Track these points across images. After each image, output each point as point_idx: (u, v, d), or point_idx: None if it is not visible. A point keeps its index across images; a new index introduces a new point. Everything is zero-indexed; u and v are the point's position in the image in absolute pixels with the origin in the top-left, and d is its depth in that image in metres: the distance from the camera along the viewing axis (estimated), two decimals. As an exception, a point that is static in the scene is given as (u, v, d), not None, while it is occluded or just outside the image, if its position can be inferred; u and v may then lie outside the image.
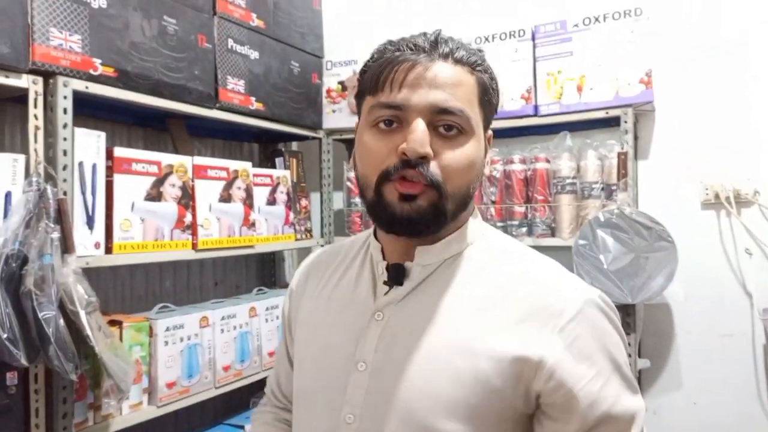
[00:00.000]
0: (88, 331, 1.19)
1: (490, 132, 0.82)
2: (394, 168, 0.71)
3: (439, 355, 0.72)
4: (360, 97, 0.80)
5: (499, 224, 1.95)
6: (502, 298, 0.74)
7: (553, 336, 0.70)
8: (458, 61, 0.74)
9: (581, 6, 1.94)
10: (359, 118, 0.81)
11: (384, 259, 0.81)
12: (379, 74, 0.74)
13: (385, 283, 0.79)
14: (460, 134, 0.73)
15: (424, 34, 0.76)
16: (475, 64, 0.76)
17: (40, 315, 1.11)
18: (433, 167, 0.71)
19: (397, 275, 0.78)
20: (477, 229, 0.82)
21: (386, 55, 0.75)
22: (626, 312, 1.75)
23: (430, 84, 0.72)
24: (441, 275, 0.78)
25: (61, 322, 1.15)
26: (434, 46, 0.74)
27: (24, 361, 1.10)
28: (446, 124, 0.72)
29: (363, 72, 0.79)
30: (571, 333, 0.70)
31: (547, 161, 1.92)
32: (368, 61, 0.79)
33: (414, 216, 0.72)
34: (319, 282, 0.90)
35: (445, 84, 0.72)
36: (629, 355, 1.71)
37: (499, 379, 0.70)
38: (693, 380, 1.90)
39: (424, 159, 0.70)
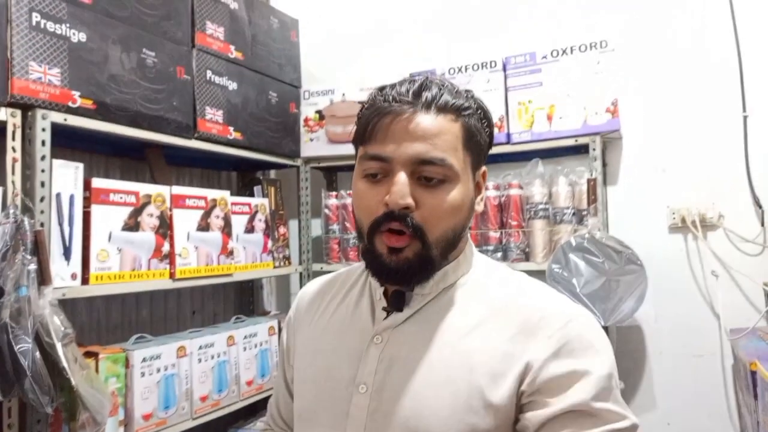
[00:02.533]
0: (65, 364, 1.19)
1: (483, 168, 0.84)
2: (381, 219, 0.74)
3: (437, 375, 0.75)
4: (355, 144, 0.83)
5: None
6: (495, 319, 0.77)
7: (542, 342, 0.73)
8: (441, 109, 0.76)
9: (549, 38, 2.02)
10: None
11: (381, 285, 0.84)
12: (366, 125, 0.77)
13: (384, 308, 0.82)
14: (442, 182, 0.75)
15: (410, 81, 0.78)
16: (459, 108, 0.77)
17: (16, 348, 1.11)
18: (416, 217, 0.74)
19: (397, 302, 0.81)
20: (471, 258, 0.86)
21: (376, 103, 0.78)
22: (599, 334, 1.78)
23: (412, 136, 0.74)
24: (438, 301, 0.81)
25: (38, 354, 1.14)
26: (417, 95, 0.76)
27: (0, 396, 1.09)
28: (427, 175, 0.75)
29: (358, 119, 0.82)
30: (560, 339, 0.73)
31: (520, 187, 1.97)
32: (363, 107, 0.81)
33: (402, 267, 0.75)
34: (317, 310, 0.93)
35: (425, 135, 0.74)
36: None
37: (495, 394, 0.72)
38: (666, 401, 1.94)
39: (407, 209, 0.73)
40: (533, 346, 0.73)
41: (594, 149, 1.84)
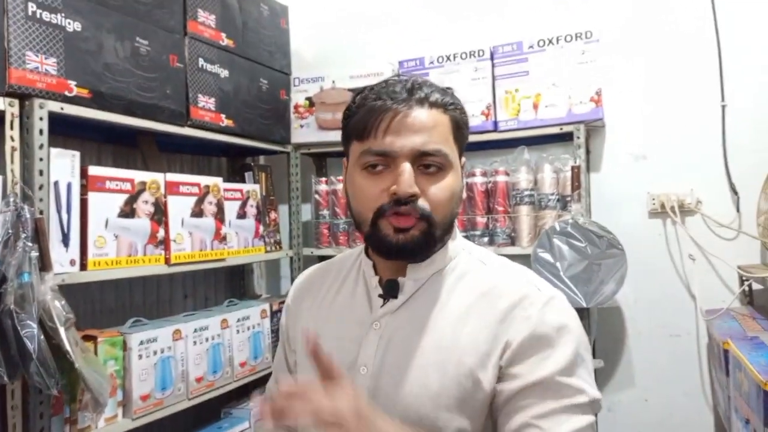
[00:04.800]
0: (68, 347, 1.22)
1: (463, 159, 0.92)
2: (386, 206, 0.81)
3: (429, 355, 0.83)
4: (346, 139, 0.90)
5: (462, 234, 2.04)
6: (480, 303, 0.85)
7: (520, 323, 0.81)
8: (433, 105, 0.84)
9: (536, 28, 2.06)
10: (347, 159, 0.91)
11: (376, 274, 0.91)
12: (364, 122, 0.83)
13: (380, 296, 0.89)
14: (440, 170, 0.83)
15: (401, 81, 0.85)
16: (447, 104, 0.85)
17: (21, 333, 1.14)
18: (422, 202, 0.82)
19: (391, 289, 0.88)
20: (458, 245, 0.93)
21: (368, 102, 0.84)
22: (581, 315, 1.82)
23: (411, 129, 0.81)
24: (429, 287, 0.88)
25: (42, 338, 1.18)
26: (411, 92, 0.83)
27: (6, 379, 1.13)
28: (427, 164, 0.82)
29: (347, 117, 0.89)
30: (535, 321, 0.80)
31: (507, 174, 2.02)
32: (351, 106, 0.88)
33: (409, 245, 0.82)
34: (315, 297, 1.00)
35: (423, 128, 0.82)
36: (585, 357, 1.81)
37: (480, 372, 0.80)
38: (644, 378, 2.03)
39: (413, 197, 0.80)
40: (513, 326, 0.81)
41: (578, 137, 1.89)
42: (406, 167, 0.80)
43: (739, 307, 1.85)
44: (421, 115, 0.82)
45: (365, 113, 0.84)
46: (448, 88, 0.88)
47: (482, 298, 0.85)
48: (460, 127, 0.87)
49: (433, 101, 0.84)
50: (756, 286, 1.86)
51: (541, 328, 0.80)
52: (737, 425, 1.30)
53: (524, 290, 0.84)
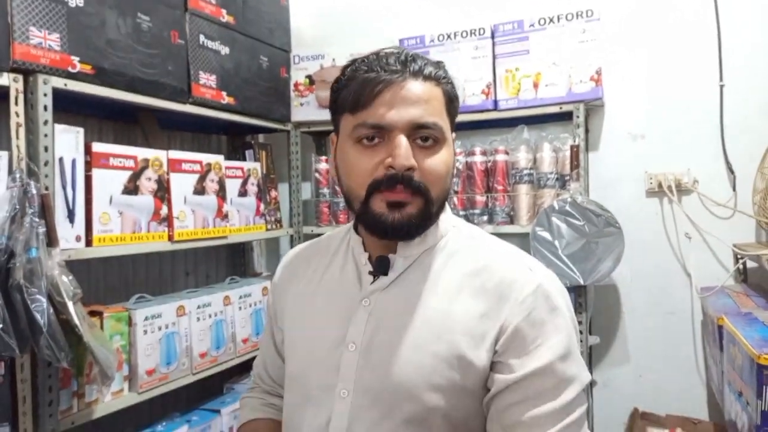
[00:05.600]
0: (76, 321, 1.24)
1: (454, 134, 0.90)
2: (382, 181, 0.80)
3: (420, 334, 0.82)
4: (336, 113, 0.87)
5: (461, 213, 2.07)
6: (471, 282, 0.84)
7: (515, 307, 0.80)
8: (427, 77, 0.82)
9: (537, 7, 2.06)
10: (336, 134, 0.89)
11: (365, 251, 0.90)
12: (357, 94, 0.81)
13: (370, 273, 0.88)
14: (435, 144, 0.82)
15: (394, 53, 0.83)
16: (440, 77, 0.84)
17: (31, 307, 1.16)
18: (417, 176, 0.80)
19: (382, 266, 0.87)
20: (448, 222, 0.91)
21: (359, 74, 0.82)
22: (578, 293, 1.89)
23: (406, 101, 0.79)
24: (420, 264, 0.87)
25: (51, 312, 1.20)
26: (404, 65, 0.81)
27: (17, 352, 1.14)
28: (423, 136, 0.81)
29: (336, 90, 0.86)
30: (530, 305, 0.79)
31: (506, 153, 2.04)
32: (341, 78, 0.86)
33: (405, 223, 0.81)
34: (303, 275, 0.99)
35: (419, 100, 0.80)
36: (581, 332, 1.85)
37: (472, 352, 0.79)
38: (639, 355, 2.07)
39: (410, 170, 0.79)
40: (507, 309, 0.80)
41: (578, 116, 1.91)
42: (403, 140, 0.79)
43: (734, 285, 1.88)
44: (416, 87, 0.80)
45: (358, 85, 0.81)
46: (440, 62, 0.87)
47: (474, 277, 0.84)
48: (452, 101, 0.86)
49: (428, 74, 0.82)
50: (750, 264, 1.89)
51: (535, 312, 0.79)
52: (730, 398, 1.34)
53: (516, 270, 0.83)
